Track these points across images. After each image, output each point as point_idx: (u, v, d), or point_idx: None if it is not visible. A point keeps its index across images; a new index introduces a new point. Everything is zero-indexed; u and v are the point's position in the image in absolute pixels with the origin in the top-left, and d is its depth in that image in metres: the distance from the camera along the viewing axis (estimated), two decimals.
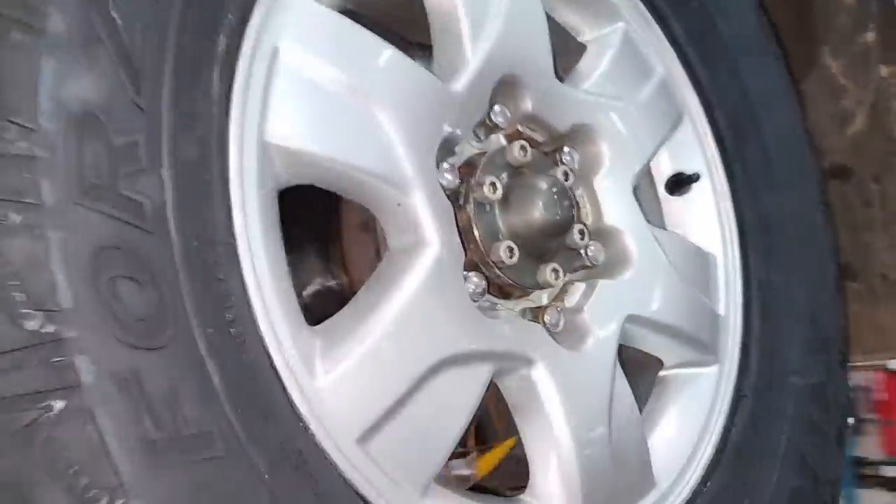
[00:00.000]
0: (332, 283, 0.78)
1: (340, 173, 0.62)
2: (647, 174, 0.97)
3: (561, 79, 0.88)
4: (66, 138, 0.43)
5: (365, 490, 0.57)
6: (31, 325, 0.40)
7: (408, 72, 0.66)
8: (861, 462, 2.12)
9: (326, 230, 0.81)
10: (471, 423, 0.78)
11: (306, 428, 0.53)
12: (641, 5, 0.93)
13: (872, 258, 1.22)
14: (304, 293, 0.77)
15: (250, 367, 0.50)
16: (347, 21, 0.64)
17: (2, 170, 0.41)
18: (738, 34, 0.98)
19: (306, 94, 0.60)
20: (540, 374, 0.71)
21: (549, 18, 0.88)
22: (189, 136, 0.48)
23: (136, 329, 0.44)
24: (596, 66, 0.88)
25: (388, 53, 0.65)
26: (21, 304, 0.40)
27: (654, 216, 0.98)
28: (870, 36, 1.18)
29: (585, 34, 0.92)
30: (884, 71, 1.18)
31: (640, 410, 0.87)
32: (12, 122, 0.41)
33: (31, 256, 0.41)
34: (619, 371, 0.79)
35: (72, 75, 0.43)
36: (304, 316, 0.63)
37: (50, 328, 0.40)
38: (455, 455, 0.87)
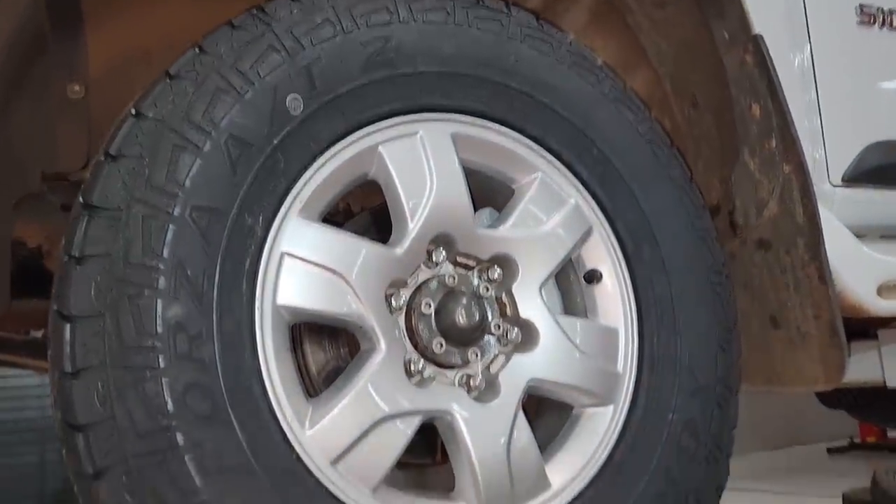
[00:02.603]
0: (341, 363, 1.27)
1: (323, 317, 1.11)
2: (573, 270, 1.39)
3: (499, 210, 1.33)
4: (170, 335, 0.95)
5: (336, 492, 1.05)
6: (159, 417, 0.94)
7: (364, 251, 1.13)
8: None
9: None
10: (440, 443, 1.26)
11: (298, 458, 1.03)
12: (552, 157, 1.33)
13: (789, 313, 1.55)
14: (325, 370, 1.27)
15: (264, 426, 1.00)
16: (324, 227, 1.13)
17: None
18: (631, 168, 1.36)
19: (302, 275, 1.09)
20: (457, 421, 1.17)
21: (485, 173, 1.33)
22: (230, 319, 1.00)
23: (199, 420, 0.95)
24: (516, 206, 1.31)
25: (350, 242, 1.13)
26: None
27: (578, 300, 1.40)
28: (773, 142, 1.51)
29: (512, 182, 1.35)
30: (786, 168, 1.51)
31: (556, 436, 1.31)
32: (150, 335, 0.95)
33: (155, 391, 0.94)
34: (521, 414, 1.22)
35: (170, 305, 0.96)
36: (322, 383, 1.14)
37: (164, 422, 0.93)
38: (431, 465, 1.35)
